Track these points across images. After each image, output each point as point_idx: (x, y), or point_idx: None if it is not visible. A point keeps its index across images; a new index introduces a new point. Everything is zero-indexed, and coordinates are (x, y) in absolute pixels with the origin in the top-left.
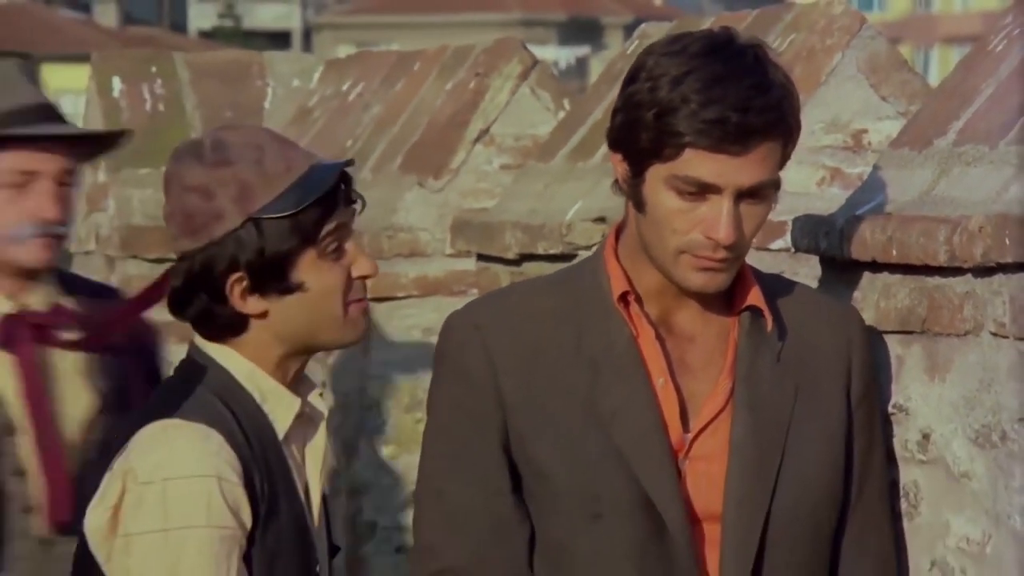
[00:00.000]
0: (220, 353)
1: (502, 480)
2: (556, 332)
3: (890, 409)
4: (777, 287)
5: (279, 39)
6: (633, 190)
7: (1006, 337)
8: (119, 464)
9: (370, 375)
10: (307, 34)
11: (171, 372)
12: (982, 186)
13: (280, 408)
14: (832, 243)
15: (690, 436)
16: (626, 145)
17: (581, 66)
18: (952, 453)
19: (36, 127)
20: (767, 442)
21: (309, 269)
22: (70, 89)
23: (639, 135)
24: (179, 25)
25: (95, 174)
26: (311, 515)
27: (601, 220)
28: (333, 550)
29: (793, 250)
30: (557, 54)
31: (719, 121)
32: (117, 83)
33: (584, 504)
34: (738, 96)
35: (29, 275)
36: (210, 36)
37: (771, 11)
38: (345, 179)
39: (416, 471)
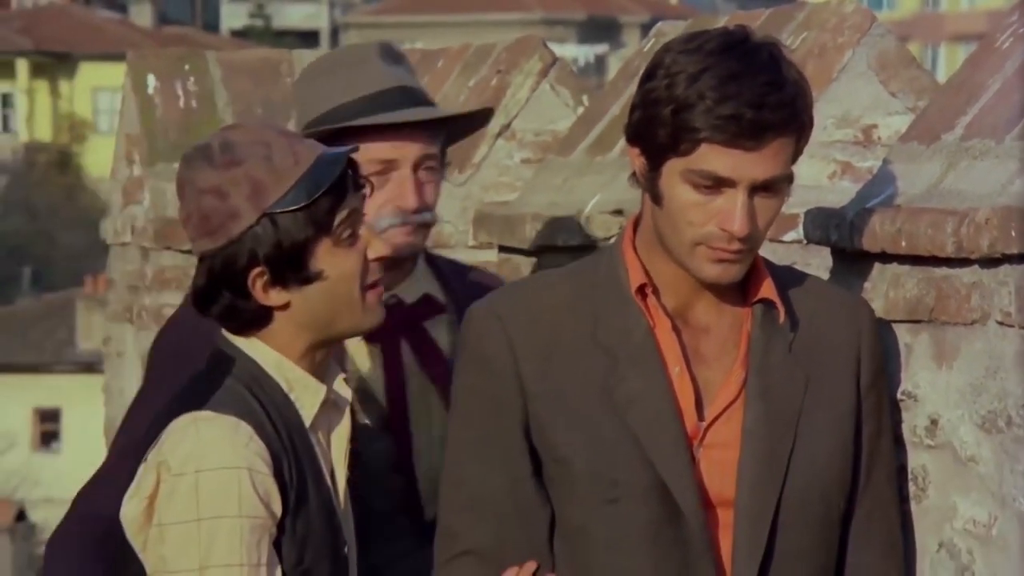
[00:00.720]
0: (248, 345)
1: (523, 465)
2: (573, 321)
3: (899, 396)
4: (789, 279)
5: (308, 38)
6: (650, 183)
7: (1012, 326)
8: (153, 455)
9: None
10: (335, 33)
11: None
12: (988, 179)
13: (306, 396)
14: (843, 235)
15: (704, 424)
16: (644, 140)
17: (599, 63)
18: (959, 438)
19: (395, 113)
20: (779, 430)
21: (326, 257)
22: (107, 86)
23: (656, 130)
24: (212, 25)
25: (131, 168)
26: (338, 499)
27: (619, 213)
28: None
29: (805, 242)
30: (576, 52)
31: (734, 117)
32: (152, 81)
33: (601, 489)
34: (753, 93)
35: (395, 265)
36: (241, 35)
37: (784, 10)
38: (352, 165)
39: None
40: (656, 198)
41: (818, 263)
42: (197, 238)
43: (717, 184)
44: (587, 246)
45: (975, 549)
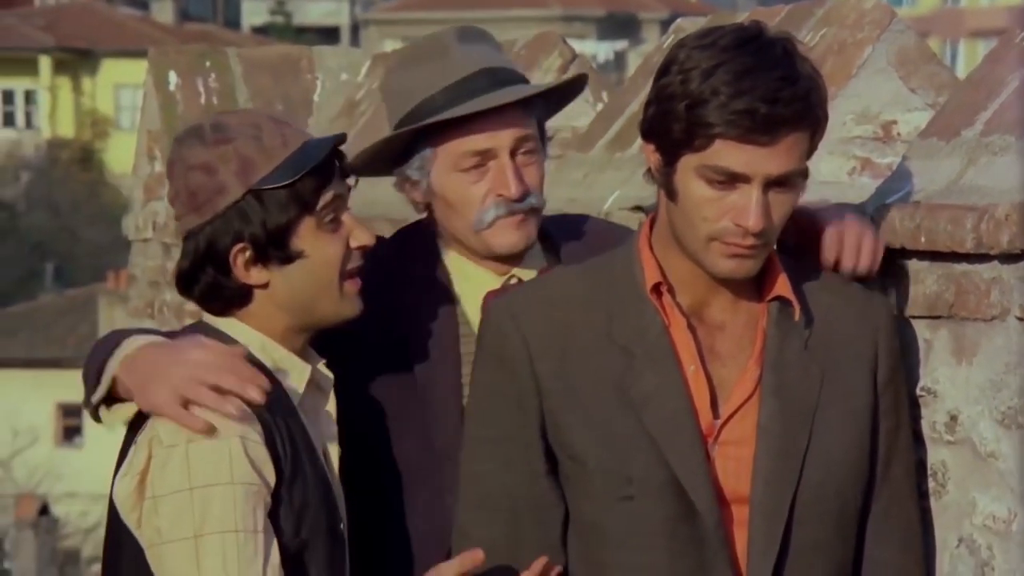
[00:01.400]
0: (230, 326)
1: (538, 462)
2: (587, 317)
3: (918, 391)
4: (805, 275)
5: (328, 34)
6: (665, 179)
7: None
8: (143, 434)
9: None
10: (355, 29)
11: None
12: (1008, 175)
13: (293, 374)
14: None
15: (719, 422)
16: (658, 136)
17: (619, 60)
18: (979, 434)
19: (479, 99)
20: (794, 426)
21: (308, 237)
22: (129, 83)
23: (671, 126)
24: (232, 21)
25: (152, 164)
26: (332, 476)
27: (638, 208)
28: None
29: None
30: (596, 48)
31: (748, 112)
32: (173, 77)
33: (616, 486)
34: (767, 88)
35: (513, 258)
36: (262, 32)
37: (804, 6)
38: (339, 155)
39: None
40: (671, 194)
41: None
42: (184, 215)
43: (731, 179)
44: None
45: (995, 544)
